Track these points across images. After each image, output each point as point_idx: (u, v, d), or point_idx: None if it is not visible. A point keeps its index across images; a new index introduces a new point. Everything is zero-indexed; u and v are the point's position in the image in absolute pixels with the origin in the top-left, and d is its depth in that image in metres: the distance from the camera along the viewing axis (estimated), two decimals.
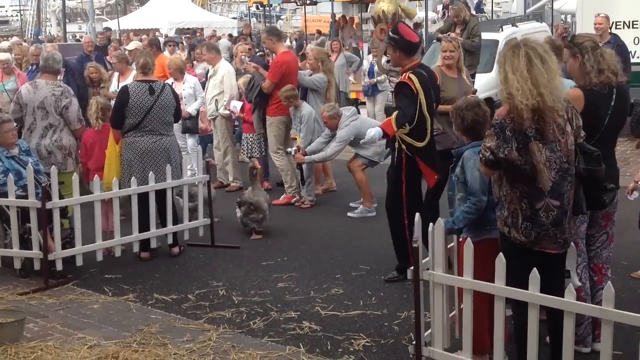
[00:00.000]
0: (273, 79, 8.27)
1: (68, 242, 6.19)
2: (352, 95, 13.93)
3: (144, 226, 6.50)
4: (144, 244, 6.58)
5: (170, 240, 6.72)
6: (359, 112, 13.54)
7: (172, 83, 9.19)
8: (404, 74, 5.66)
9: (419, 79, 5.58)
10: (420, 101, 5.54)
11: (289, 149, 8.15)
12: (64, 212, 6.20)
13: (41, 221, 5.83)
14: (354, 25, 21.42)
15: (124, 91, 6.62)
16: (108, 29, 23.53)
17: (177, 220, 6.81)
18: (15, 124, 6.45)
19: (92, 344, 4.74)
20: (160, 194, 6.58)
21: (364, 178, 8.02)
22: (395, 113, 5.55)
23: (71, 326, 5.10)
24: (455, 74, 6.55)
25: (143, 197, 6.45)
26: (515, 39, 3.96)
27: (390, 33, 5.92)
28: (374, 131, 5.68)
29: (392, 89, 6.49)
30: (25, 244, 6.03)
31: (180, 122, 9.12)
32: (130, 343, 4.74)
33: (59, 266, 5.98)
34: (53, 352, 4.59)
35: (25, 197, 5.92)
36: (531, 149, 3.62)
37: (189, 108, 9.08)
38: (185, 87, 9.19)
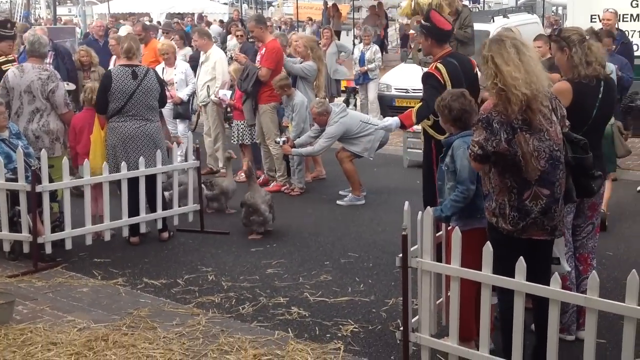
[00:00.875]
0: (270, 65, 8.27)
1: (57, 225, 6.20)
2: (343, 84, 13.93)
3: (133, 211, 6.51)
4: (134, 228, 6.59)
5: (160, 225, 6.73)
6: (355, 101, 13.65)
7: (163, 68, 9.18)
8: (432, 64, 5.53)
9: (447, 68, 5.43)
10: None
11: (278, 139, 8.17)
12: (53, 195, 6.20)
13: (31, 204, 5.83)
14: (376, 14, 21.43)
15: (107, 76, 6.62)
16: (132, 14, 23.23)
17: (165, 205, 6.82)
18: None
19: (82, 326, 4.76)
20: (146, 180, 6.53)
21: (352, 168, 8.06)
22: (418, 105, 5.47)
23: (60, 309, 5.12)
24: None
25: (131, 183, 6.45)
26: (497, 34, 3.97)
27: (422, 21, 5.79)
28: (390, 120, 5.63)
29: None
30: (15, 226, 6.04)
31: (171, 107, 9.13)
32: (119, 326, 4.77)
33: (49, 249, 5.99)
34: (43, 334, 4.60)
35: (15, 180, 5.92)
36: (518, 140, 3.66)
37: (180, 93, 9.07)
38: (177, 72, 9.19)
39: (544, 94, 3.74)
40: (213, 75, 9.01)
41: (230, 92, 8.97)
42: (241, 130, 8.96)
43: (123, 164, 6.36)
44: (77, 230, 6.16)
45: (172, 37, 11.38)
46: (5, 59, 7.73)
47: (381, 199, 8.22)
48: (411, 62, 13.21)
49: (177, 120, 9.31)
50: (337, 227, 7.16)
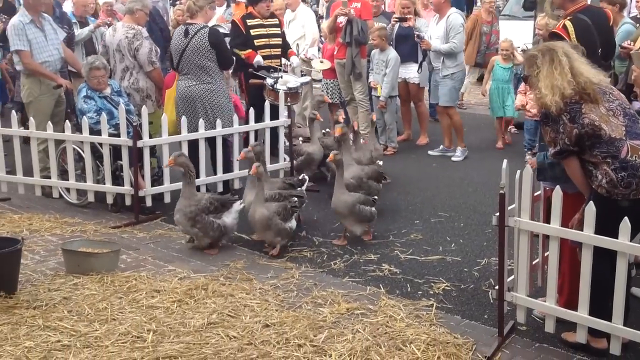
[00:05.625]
0: (372, 18, 8.63)
1: (156, 180, 6.43)
2: None
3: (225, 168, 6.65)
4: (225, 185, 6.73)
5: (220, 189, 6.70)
6: None
7: None
8: (560, 22, 5.21)
9: (576, 27, 5.05)
10: None
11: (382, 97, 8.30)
12: (152, 151, 6.42)
13: (132, 159, 6.07)
14: None
15: (173, 34, 6.73)
16: None
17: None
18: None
19: (182, 276, 4.96)
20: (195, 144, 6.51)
21: (460, 120, 8.39)
22: None
23: (161, 259, 5.34)
24: None
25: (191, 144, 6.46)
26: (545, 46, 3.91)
27: None
28: None
29: None
30: (117, 180, 6.31)
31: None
32: (217, 277, 4.95)
33: (149, 202, 6.24)
34: (146, 282, 4.83)
35: (117, 135, 6.16)
36: (586, 109, 3.62)
37: None
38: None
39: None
40: (302, 33, 9.02)
41: (317, 49, 8.97)
42: (330, 88, 8.97)
43: (201, 122, 6.41)
44: (175, 184, 6.36)
45: None
46: (260, 22, 7.87)
47: (472, 159, 8.13)
48: None
49: None
50: (427, 187, 7.13)
